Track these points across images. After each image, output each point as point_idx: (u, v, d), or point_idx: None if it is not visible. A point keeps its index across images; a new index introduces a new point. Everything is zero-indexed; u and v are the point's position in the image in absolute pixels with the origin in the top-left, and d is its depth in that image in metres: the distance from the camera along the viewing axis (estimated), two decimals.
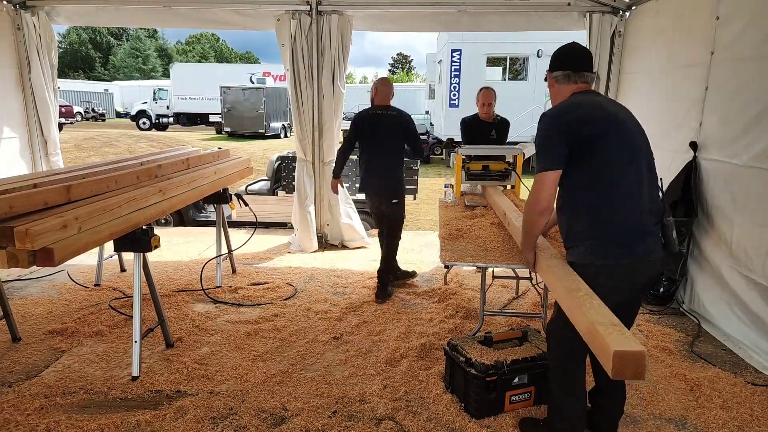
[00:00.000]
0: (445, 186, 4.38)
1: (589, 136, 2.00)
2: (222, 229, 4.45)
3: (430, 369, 3.06)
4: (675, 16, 4.24)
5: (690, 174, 3.90)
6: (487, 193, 4.07)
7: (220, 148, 4.93)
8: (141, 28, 53.64)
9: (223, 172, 4.22)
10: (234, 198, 4.51)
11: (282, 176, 6.74)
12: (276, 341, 3.42)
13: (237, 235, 5.28)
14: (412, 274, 4.67)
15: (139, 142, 20.02)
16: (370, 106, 4.26)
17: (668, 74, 4.31)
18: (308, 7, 5.13)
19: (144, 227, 2.92)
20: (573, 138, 2.01)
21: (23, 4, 5.27)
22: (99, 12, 5.41)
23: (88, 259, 3.97)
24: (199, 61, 53.28)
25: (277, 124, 25.94)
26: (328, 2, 5.17)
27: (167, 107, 29.80)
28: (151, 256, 3.27)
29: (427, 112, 23.48)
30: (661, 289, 4.09)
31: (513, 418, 2.59)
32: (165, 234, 5.41)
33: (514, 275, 4.27)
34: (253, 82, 26.99)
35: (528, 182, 4.57)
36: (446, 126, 16.06)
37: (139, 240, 2.87)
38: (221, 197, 4.33)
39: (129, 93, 40.48)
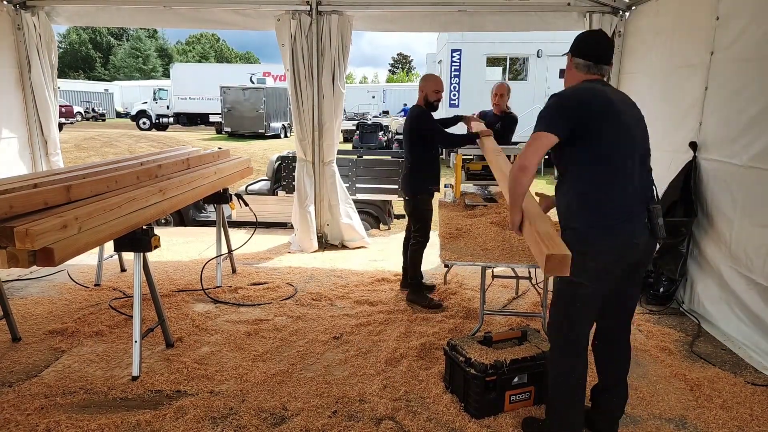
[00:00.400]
0: (445, 186, 4.39)
1: (588, 120, 2.07)
2: (222, 229, 4.45)
3: (430, 369, 3.06)
4: (675, 16, 4.24)
5: (690, 174, 3.90)
6: (484, 149, 3.83)
7: (220, 148, 4.93)
8: (141, 28, 53.64)
9: (223, 172, 4.22)
10: (234, 198, 4.51)
11: (282, 176, 6.75)
12: (276, 341, 3.42)
13: (237, 235, 5.28)
14: (430, 288, 4.46)
15: (139, 142, 20.03)
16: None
17: (668, 74, 4.31)
18: (308, 7, 5.13)
19: (144, 227, 2.92)
20: (575, 118, 2.07)
21: (23, 4, 5.27)
22: (99, 12, 5.41)
23: (88, 259, 3.97)
24: (199, 61, 53.31)
25: (277, 124, 25.93)
26: (328, 2, 5.17)
27: (167, 107, 29.80)
28: (151, 256, 3.27)
29: None
30: (661, 289, 4.09)
31: (513, 418, 2.59)
32: (165, 234, 5.41)
33: (514, 275, 4.27)
34: (253, 82, 26.98)
35: None
36: None
37: (139, 240, 2.87)
38: (221, 197, 4.33)
39: (129, 93, 40.51)
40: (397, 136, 18.69)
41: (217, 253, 4.44)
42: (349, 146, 18.50)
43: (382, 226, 7.07)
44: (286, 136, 25.93)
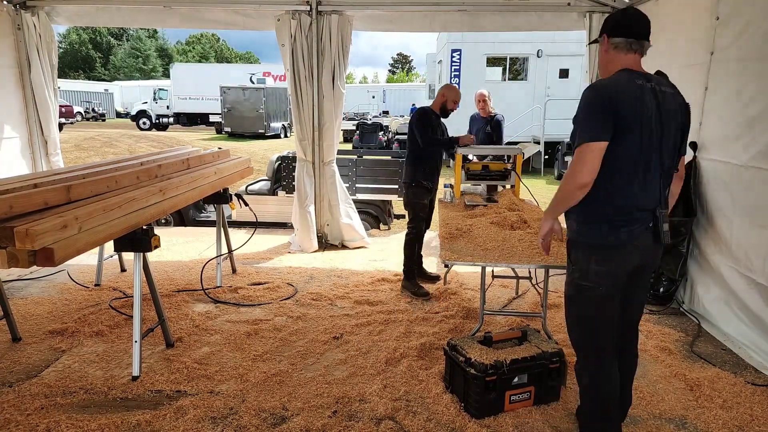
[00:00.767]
0: (445, 186, 4.39)
1: (619, 121, 1.94)
2: (222, 229, 4.45)
3: (430, 369, 3.06)
4: (675, 17, 4.24)
5: (690, 174, 3.90)
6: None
7: (220, 148, 4.93)
8: (141, 28, 53.65)
9: (223, 172, 4.22)
10: (234, 198, 4.51)
11: (282, 176, 6.75)
12: (276, 341, 3.43)
13: (237, 235, 5.28)
14: (434, 278, 4.68)
15: (140, 142, 20.03)
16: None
17: (668, 74, 4.30)
18: (308, 7, 5.14)
19: (144, 227, 2.92)
20: (613, 118, 1.94)
21: (23, 4, 5.27)
22: (99, 12, 5.42)
23: (88, 259, 3.98)
24: (199, 61, 53.32)
25: (277, 124, 25.94)
26: (328, 2, 5.18)
27: (167, 107, 29.80)
28: (151, 256, 3.27)
29: None
30: (661, 289, 4.09)
31: (513, 418, 2.59)
32: (165, 234, 5.42)
33: (514, 275, 4.27)
34: (253, 82, 27.00)
35: (528, 182, 4.58)
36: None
37: (139, 240, 2.87)
38: (221, 197, 4.33)
39: (129, 93, 40.53)
40: (397, 136, 18.69)
41: (217, 253, 4.45)
42: (349, 146, 18.51)
43: (382, 226, 7.07)
44: (286, 136, 25.94)
